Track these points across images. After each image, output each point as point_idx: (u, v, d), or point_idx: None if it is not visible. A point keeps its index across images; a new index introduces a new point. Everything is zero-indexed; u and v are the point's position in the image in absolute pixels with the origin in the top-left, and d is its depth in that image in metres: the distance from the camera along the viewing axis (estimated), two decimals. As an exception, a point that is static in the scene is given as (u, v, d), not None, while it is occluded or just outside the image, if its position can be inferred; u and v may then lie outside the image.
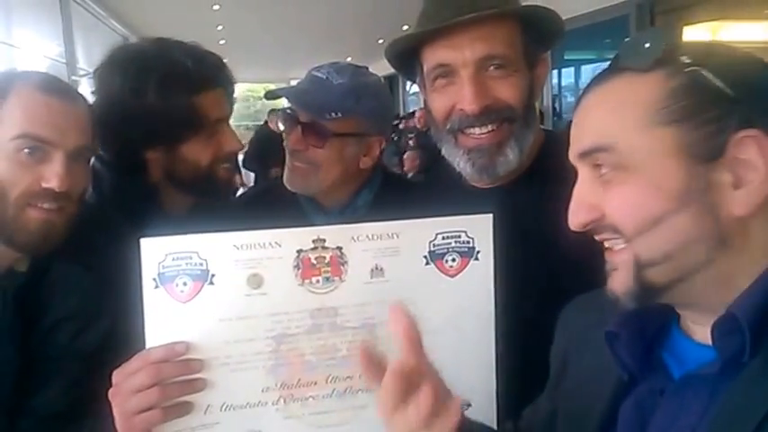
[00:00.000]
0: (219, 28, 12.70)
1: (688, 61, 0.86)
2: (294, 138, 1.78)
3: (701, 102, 0.84)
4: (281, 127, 1.84)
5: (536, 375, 1.29)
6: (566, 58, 11.33)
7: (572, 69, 11.80)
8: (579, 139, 0.94)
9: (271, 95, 1.90)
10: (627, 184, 0.88)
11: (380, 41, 11.32)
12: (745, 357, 0.80)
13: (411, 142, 10.96)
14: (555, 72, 11.38)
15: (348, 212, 1.88)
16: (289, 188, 1.84)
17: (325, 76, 1.81)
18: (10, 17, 8.38)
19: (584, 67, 11.40)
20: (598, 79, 0.95)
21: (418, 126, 12.47)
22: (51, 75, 1.50)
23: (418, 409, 0.90)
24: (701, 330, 0.91)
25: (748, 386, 0.79)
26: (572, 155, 0.96)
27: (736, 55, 0.91)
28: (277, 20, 12.94)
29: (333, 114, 1.73)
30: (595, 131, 0.92)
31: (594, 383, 1.03)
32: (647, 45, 0.89)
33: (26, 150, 1.36)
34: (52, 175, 1.37)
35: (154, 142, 1.69)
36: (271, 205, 1.91)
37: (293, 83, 2.06)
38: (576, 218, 0.94)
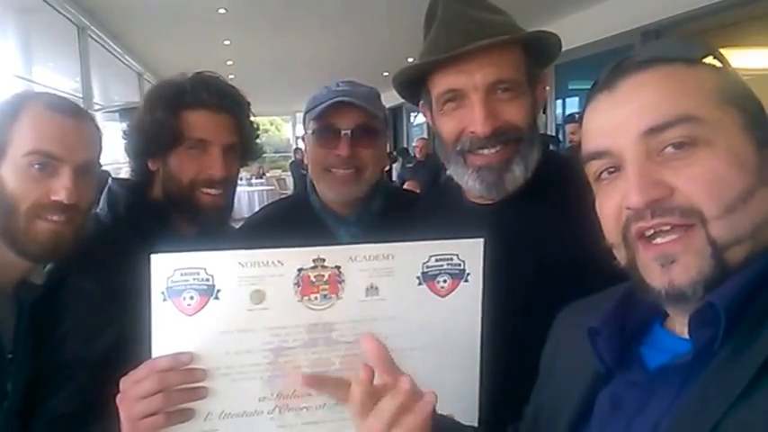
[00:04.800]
0: (230, 63, 12.82)
1: (722, 64, 0.93)
2: (343, 145, 1.87)
3: (743, 95, 0.91)
4: (315, 143, 1.93)
5: (521, 389, 1.30)
6: (570, 87, 11.29)
7: (576, 99, 11.56)
8: (639, 118, 0.89)
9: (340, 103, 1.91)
10: (709, 159, 0.85)
11: (385, 74, 11.44)
12: (716, 345, 0.80)
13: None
14: (559, 102, 11.33)
15: (366, 219, 1.97)
16: (335, 198, 1.95)
17: (349, 87, 1.93)
18: (30, 55, 8.51)
19: None
20: (634, 68, 0.93)
21: (418, 156, 12.56)
22: (60, 95, 1.57)
23: (392, 401, 0.95)
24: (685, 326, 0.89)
25: (716, 374, 0.80)
26: (631, 134, 0.89)
27: None
28: (285, 55, 13.08)
29: (379, 113, 1.90)
30: (668, 106, 0.88)
31: (574, 377, 1.05)
32: (696, 43, 0.95)
33: (36, 166, 1.42)
34: (60, 188, 1.43)
35: (150, 152, 1.81)
36: (294, 221, 1.98)
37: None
38: (645, 195, 0.86)
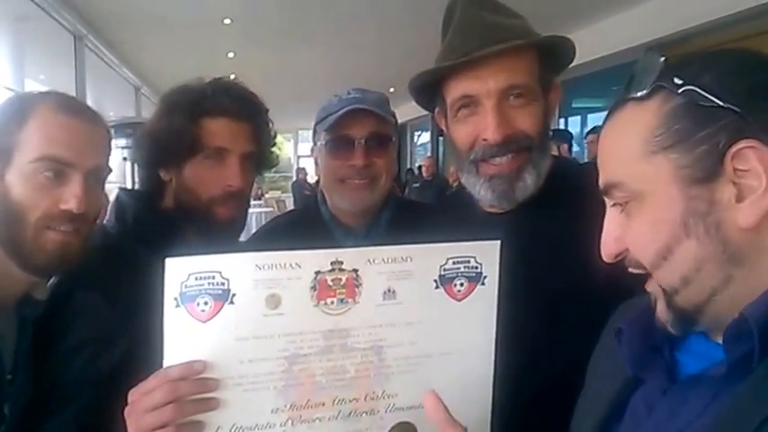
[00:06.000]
0: (232, 77, 12.84)
1: (680, 82, 0.87)
2: (358, 155, 1.91)
3: (695, 121, 0.85)
4: (328, 154, 1.96)
5: (535, 397, 1.36)
6: (573, 106, 11.35)
7: (578, 118, 11.70)
8: (600, 176, 0.98)
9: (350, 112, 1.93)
10: (638, 217, 0.91)
11: (391, 90, 11.51)
12: (755, 362, 0.80)
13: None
14: (562, 121, 11.39)
15: (374, 231, 2.00)
16: (349, 207, 1.98)
17: (360, 94, 1.96)
18: (22, 65, 8.54)
19: (590, 116, 11.35)
20: (609, 113, 0.99)
21: (425, 175, 12.63)
22: (69, 95, 1.54)
23: None
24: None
25: (750, 390, 0.80)
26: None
27: (738, 61, 0.90)
28: (290, 69, 13.14)
29: (390, 118, 1.94)
30: (607, 168, 0.96)
31: (608, 379, 1.08)
32: (645, 70, 0.93)
33: (45, 172, 1.39)
34: (71, 197, 1.40)
35: (164, 160, 1.81)
36: (302, 233, 2.01)
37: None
38: (605, 251, 0.97)
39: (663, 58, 0.92)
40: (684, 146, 0.86)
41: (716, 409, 0.84)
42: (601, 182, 0.97)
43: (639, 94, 0.92)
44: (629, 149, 0.91)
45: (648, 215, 0.90)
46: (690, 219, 0.86)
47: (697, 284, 0.88)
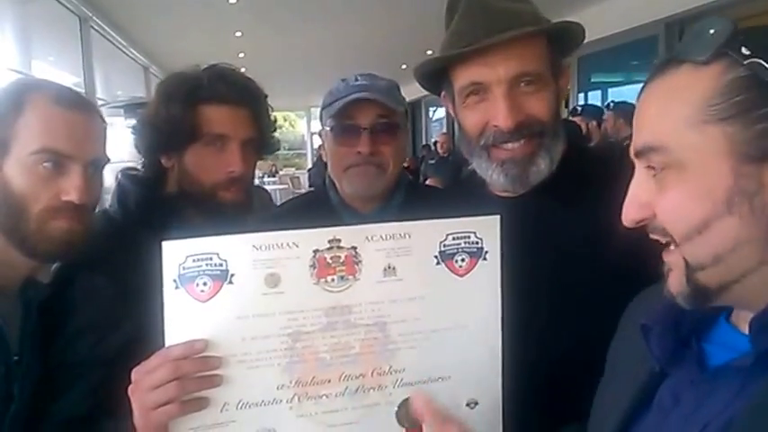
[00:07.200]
0: (241, 55, 12.87)
1: (748, 52, 0.83)
2: (363, 142, 1.90)
3: (759, 96, 0.82)
4: (334, 141, 1.97)
5: (545, 376, 1.37)
6: (592, 80, 11.27)
7: (599, 92, 11.57)
8: (635, 137, 0.95)
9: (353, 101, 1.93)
10: (676, 187, 0.88)
11: (404, 67, 11.47)
12: None
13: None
14: (581, 95, 11.34)
15: (384, 216, 1.99)
16: (357, 192, 1.98)
17: (368, 81, 1.95)
18: (28, 47, 8.59)
19: (610, 90, 11.17)
20: (657, 70, 0.94)
21: (440, 152, 12.62)
22: (64, 86, 1.58)
23: None
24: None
25: None
26: (631, 151, 0.96)
27: None
28: (299, 47, 13.08)
29: (399, 107, 1.93)
30: (648, 130, 0.92)
31: (633, 370, 1.09)
32: (711, 32, 0.87)
33: (46, 164, 1.43)
34: (72, 189, 1.45)
35: (164, 147, 1.85)
36: (311, 218, 1.98)
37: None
38: (628, 215, 0.95)
39: (732, 23, 0.86)
40: (743, 120, 0.82)
41: (744, 399, 0.85)
42: (637, 142, 0.93)
43: (700, 57, 0.87)
44: (677, 114, 0.87)
45: (689, 186, 0.87)
46: (735, 197, 0.83)
47: (728, 264, 0.86)
